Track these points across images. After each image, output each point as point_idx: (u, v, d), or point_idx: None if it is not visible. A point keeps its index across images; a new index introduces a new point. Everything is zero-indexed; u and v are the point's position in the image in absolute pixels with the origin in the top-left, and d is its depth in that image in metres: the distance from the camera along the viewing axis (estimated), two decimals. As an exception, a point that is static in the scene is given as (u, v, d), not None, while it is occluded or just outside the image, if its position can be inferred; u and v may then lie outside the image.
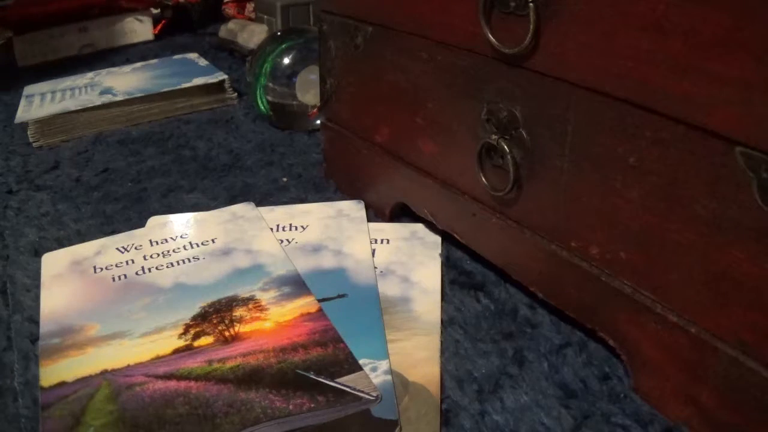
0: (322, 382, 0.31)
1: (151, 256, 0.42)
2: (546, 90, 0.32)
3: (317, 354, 0.33)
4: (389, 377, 0.32)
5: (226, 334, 0.35)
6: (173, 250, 0.43)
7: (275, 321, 0.36)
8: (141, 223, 0.47)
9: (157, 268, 0.41)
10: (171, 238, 0.45)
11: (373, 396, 0.30)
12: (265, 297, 0.38)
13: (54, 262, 0.43)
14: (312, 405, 0.30)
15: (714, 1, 0.24)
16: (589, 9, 0.28)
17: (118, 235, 0.46)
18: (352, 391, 0.30)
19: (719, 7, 0.24)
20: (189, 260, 0.42)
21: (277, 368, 0.32)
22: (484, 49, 0.34)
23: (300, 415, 0.29)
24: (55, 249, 0.44)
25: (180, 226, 0.46)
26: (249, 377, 0.31)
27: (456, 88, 0.37)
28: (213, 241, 0.44)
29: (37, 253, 0.45)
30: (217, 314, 0.36)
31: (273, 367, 0.32)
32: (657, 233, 0.29)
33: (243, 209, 0.48)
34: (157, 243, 0.44)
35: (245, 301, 0.37)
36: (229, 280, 0.39)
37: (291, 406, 0.30)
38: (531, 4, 0.30)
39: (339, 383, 0.31)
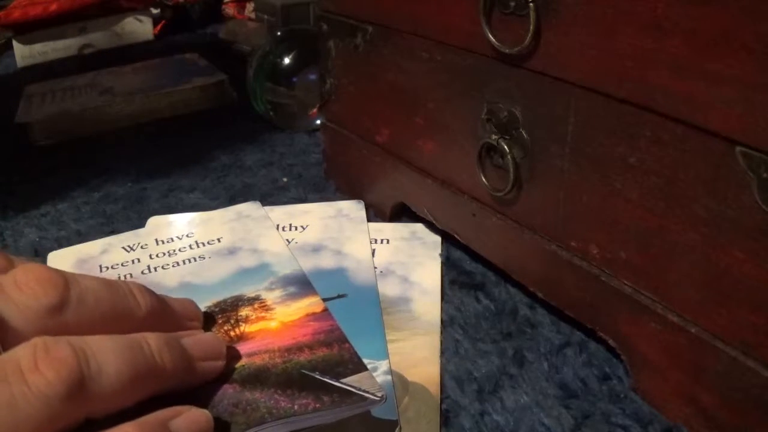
0: (327, 382, 0.31)
1: (156, 255, 0.42)
2: (546, 90, 0.32)
3: (322, 354, 0.33)
4: (389, 377, 0.32)
5: (232, 334, 0.35)
6: (179, 249, 0.43)
7: (280, 321, 0.36)
8: (141, 223, 0.47)
9: (162, 267, 0.41)
10: (177, 237, 0.44)
11: (378, 396, 0.30)
12: (270, 297, 0.38)
13: (60, 261, 0.42)
14: (317, 405, 0.29)
15: (714, 1, 0.24)
16: (589, 9, 0.28)
17: (124, 233, 0.46)
18: (358, 391, 0.30)
19: (719, 7, 0.24)
20: (194, 259, 0.42)
21: (282, 368, 0.32)
22: (484, 49, 0.34)
23: (305, 415, 0.29)
24: (55, 249, 0.44)
25: (185, 225, 0.46)
26: (254, 377, 0.31)
27: (456, 88, 0.37)
28: (218, 240, 0.44)
29: (37, 253, 0.45)
30: (223, 314, 0.36)
31: (278, 367, 0.32)
32: (657, 233, 0.29)
33: (249, 208, 0.48)
34: (162, 242, 0.44)
35: (251, 301, 0.37)
36: (234, 279, 0.39)
37: (296, 407, 0.29)
38: (531, 4, 0.30)
39: (344, 383, 0.31)
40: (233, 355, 0.33)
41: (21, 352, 0.24)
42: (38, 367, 0.23)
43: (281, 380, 0.31)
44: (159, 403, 0.27)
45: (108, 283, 0.29)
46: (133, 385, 0.26)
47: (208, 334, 0.33)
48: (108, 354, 0.25)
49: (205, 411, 0.28)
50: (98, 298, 0.28)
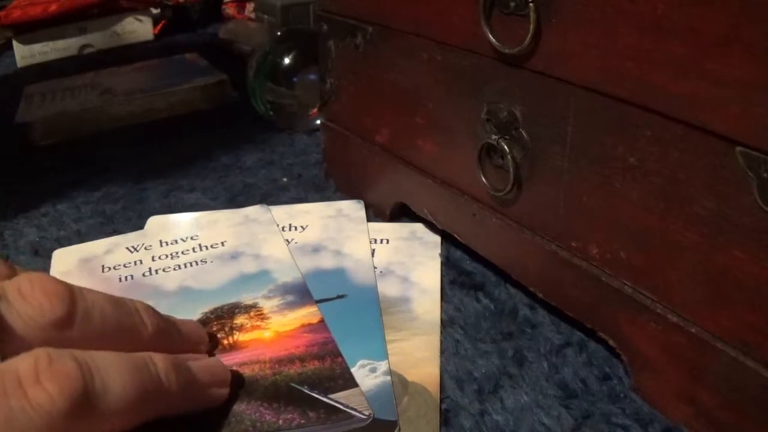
0: (315, 397, 0.30)
1: (159, 257, 0.42)
2: (546, 90, 0.32)
3: (313, 367, 0.32)
4: (388, 377, 0.32)
5: (225, 342, 0.34)
6: (182, 252, 0.42)
7: (275, 331, 0.35)
8: (141, 223, 0.47)
9: (164, 270, 0.41)
10: (181, 239, 0.44)
11: (365, 415, 0.29)
12: (267, 305, 0.37)
13: (63, 260, 0.42)
14: (302, 421, 0.29)
15: (714, 1, 0.24)
16: (589, 9, 0.28)
17: (130, 234, 0.45)
18: (345, 409, 0.30)
19: (719, 7, 0.24)
20: (196, 263, 0.41)
21: (271, 380, 0.31)
22: (484, 49, 0.34)
23: (289, 430, 0.29)
24: (56, 249, 0.44)
25: (191, 227, 0.46)
26: (242, 388, 0.31)
27: (456, 88, 0.37)
28: (222, 243, 0.43)
29: (37, 253, 0.45)
30: (218, 321, 0.36)
31: (267, 378, 0.32)
32: (657, 233, 0.29)
33: (256, 212, 0.47)
34: (166, 243, 0.44)
35: (247, 309, 0.37)
36: (233, 285, 0.39)
37: (281, 421, 0.29)
38: (531, 4, 0.30)
39: (332, 399, 0.30)
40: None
41: (22, 363, 0.23)
42: (40, 380, 0.22)
43: (269, 393, 0.31)
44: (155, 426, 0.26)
45: (114, 300, 0.28)
46: (139, 405, 0.25)
47: (214, 359, 0.32)
48: (114, 371, 0.24)
49: None
50: (104, 314, 0.27)
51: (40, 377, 0.22)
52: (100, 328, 0.26)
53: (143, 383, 0.25)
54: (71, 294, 0.26)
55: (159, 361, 0.26)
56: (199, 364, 0.29)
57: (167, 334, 0.30)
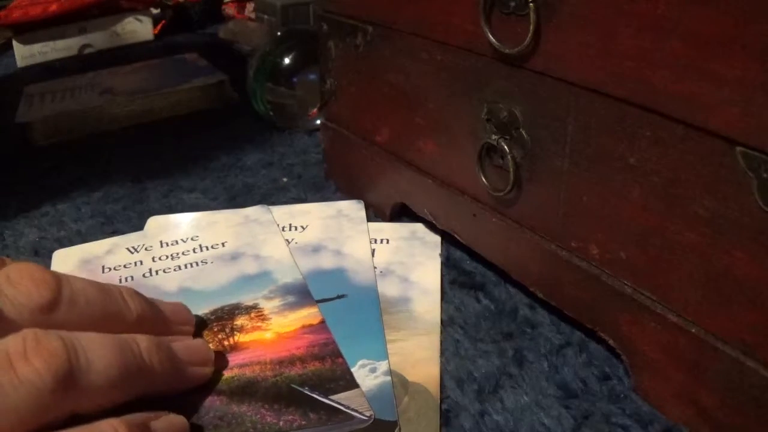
0: (315, 399, 0.30)
1: (159, 258, 0.42)
2: (546, 90, 0.32)
3: (314, 368, 0.32)
4: (389, 378, 0.32)
5: (225, 343, 0.34)
6: (182, 253, 0.42)
7: (276, 332, 0.35)
8: (141, 223, 0.47)
9: (164, 271, 0.41)
10: (181, 240, 0.44)
11: (366, 416, 0.29)
12: (268, 306, 0.37)
13: (64, 260, 0.42)
14: (303, 422, 0.29)
15: (714, 1, 0.24)
16: (589, 9, 0.28)
17: (130, 234, 0.45)
18: (346, 410, 0.30)
19: (719, 7, 0.24)
20: (197, 264, 0.41)
21: (272, 381, 0.31)
22: (484, 50, 0.34)
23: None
24: (56, 249, 0.44)
25: (191, 227, 0.46)
26: (243, 389, 0.31)
27: (456, 88, 0.37)
28: (223, 244, 0.43)
29: (37, 253, 0.45)
30: (219, 322, 0.36)
31: (268, 380, 0.32)
32: (657, 233, 0.29)
33: (257, 212, 0.47)
34: (167, 244, 0.44)
35: (248, 310, 0.37)
36: (234, 286, 0.39)
37: (281, 423, 0.29)
38: (531, 4, 0.30)
39: (333, 400, 0.30)
40: (222, 364, 0.32)
41: (11, 342, 0.24)
42: (27, 357, 0.23)
43: (270, 394, 0.31)
44: (141, 408, 0.27)
45: (99, 286, 0.29)
46: (122, 383, 0.26)
47: (198, 340, 0.33)
48: (98, 349, 0.25)
49: (182, 417, 0.28)
50: (89, 300, 0.28)
51: (28, 354, 0.24)
52: (86, 312, 0.28)
53: (126, 362, 0.26)
54: (57, 281, 0.27)
55: (141, 341, 0.28)
56: (182, 344, 0.31)
57: (151, 317, 0.31)
